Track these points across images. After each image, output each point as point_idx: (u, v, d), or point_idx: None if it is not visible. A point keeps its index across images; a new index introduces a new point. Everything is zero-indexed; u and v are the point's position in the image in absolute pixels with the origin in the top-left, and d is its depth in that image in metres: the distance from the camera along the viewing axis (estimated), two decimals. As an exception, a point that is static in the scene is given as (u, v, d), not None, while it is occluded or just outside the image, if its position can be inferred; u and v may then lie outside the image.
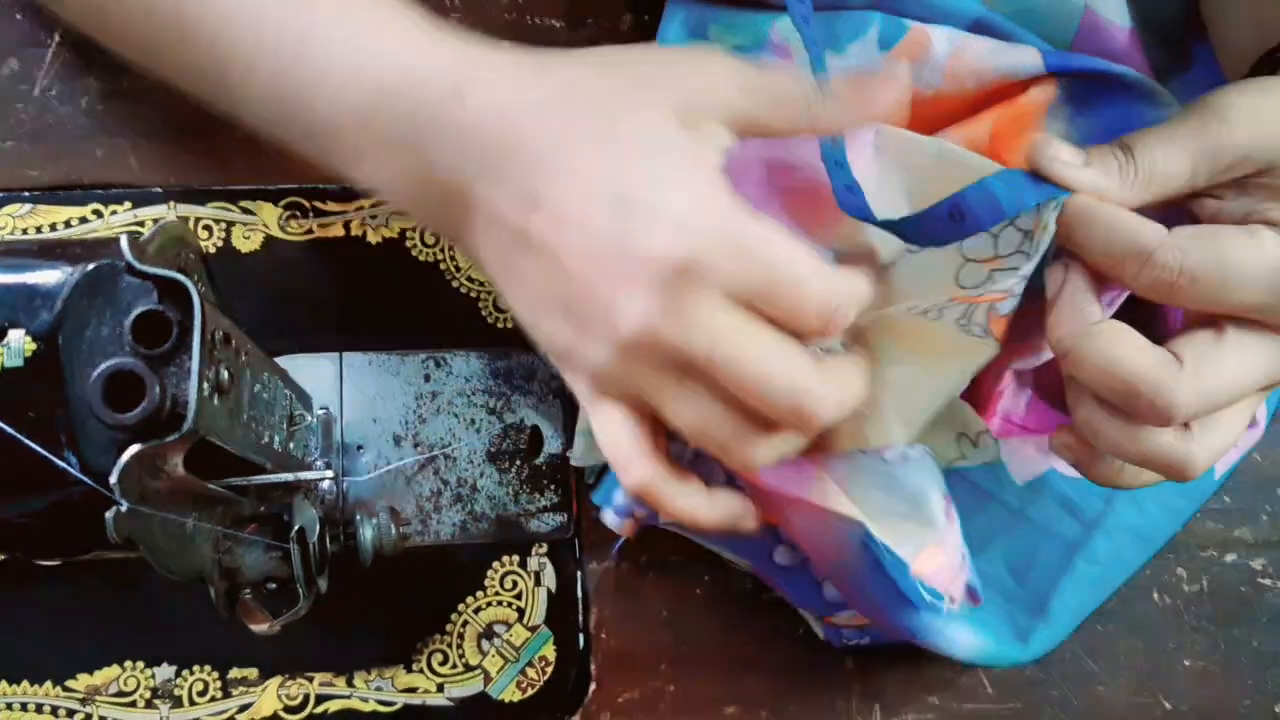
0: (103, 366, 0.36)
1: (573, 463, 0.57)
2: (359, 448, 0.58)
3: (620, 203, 0.38)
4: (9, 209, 0.58)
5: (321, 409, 0.57)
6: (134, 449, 0.36)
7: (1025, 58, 0.50)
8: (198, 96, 0.48)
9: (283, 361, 0.56)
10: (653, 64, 0.43)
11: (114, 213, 0.59)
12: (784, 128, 0.42)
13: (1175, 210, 0.44)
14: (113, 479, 0.36)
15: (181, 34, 0.45)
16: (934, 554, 0.47)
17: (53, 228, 0.58)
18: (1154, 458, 0.42)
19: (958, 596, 0.47)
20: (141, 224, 0.59)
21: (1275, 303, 0.40)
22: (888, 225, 0.43)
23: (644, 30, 0.61)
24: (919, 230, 0.42)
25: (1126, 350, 0.40)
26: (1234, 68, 0.51)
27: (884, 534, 0.46)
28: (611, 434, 0.43)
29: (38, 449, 0.37)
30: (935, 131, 0.53)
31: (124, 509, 0.37)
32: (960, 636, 0.50)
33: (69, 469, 0.37)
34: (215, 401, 0.39)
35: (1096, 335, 0.41)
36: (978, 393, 0.51)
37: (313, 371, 0.58)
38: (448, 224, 0.44)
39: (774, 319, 0.39)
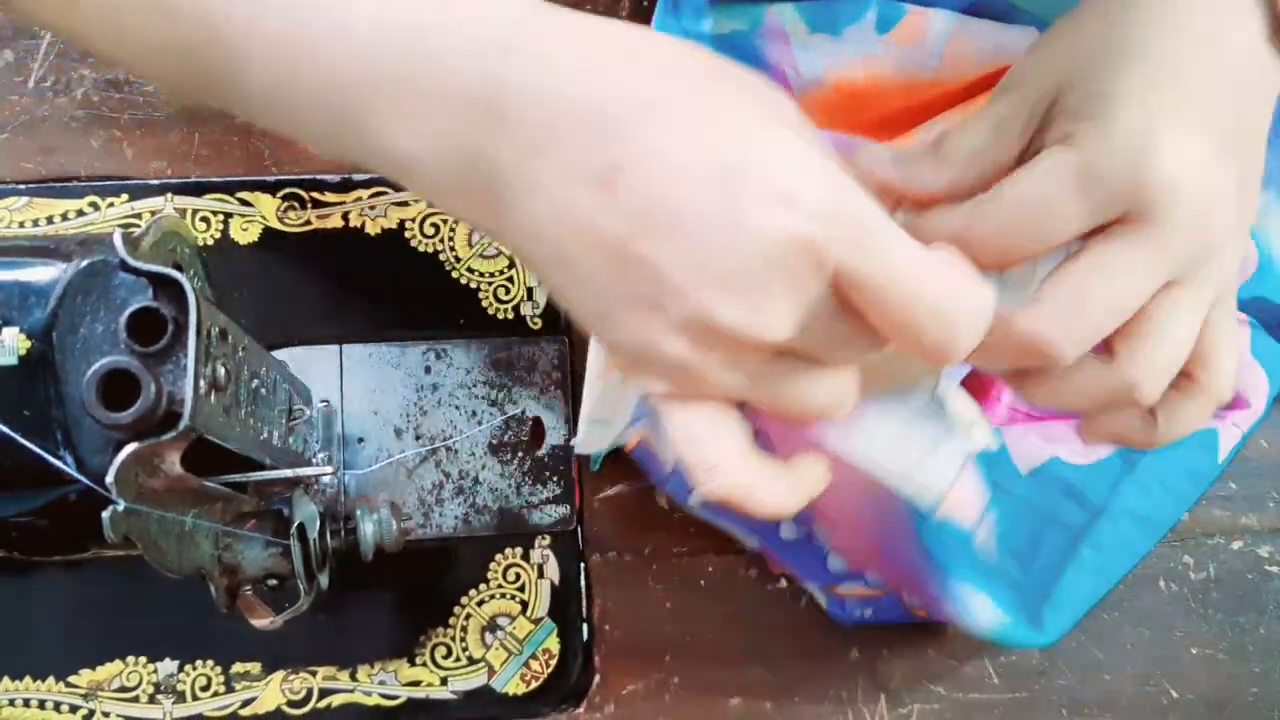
0: (98, 365, 0.36)
1: (577, 451, 0.56)
2: (359, 440, 0.57)
3: (728, 179, 0.33)
4: (5, 202, 0.58)
5: (321, 402, 0.56)
6: (130, 448, 0.36)
7: (1023, 36, 0.49)
8: (175, 81, 0.40)
9: (282, 354, 0.55)
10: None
11: (111, 205, 0.59)
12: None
13: None
14: (109, 478, 0.36)
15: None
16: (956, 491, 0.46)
17: (49, 221, 0.58)
18: (1093, 400, 0.39)
19: (982, 529, 0.47)
20: (139, 216, 0.59)
21: (1089, 212, 0.37)
22: None
23: (642, 16, 0.61)
24: None
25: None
26: None
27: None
28: (699, 436, 0.37)
29: (34, 448, 0.37)
30: (934, 116, 0.52)
31: (121, 508, 0.36)
32: (982, 608, 0.50)
33: (65, 468, 0.37)
34: (212, 398, 0.39)
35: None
36: (980, 379, 0.51)
37: (312, 364, 0.57)
38: (487, 206, 0.37)
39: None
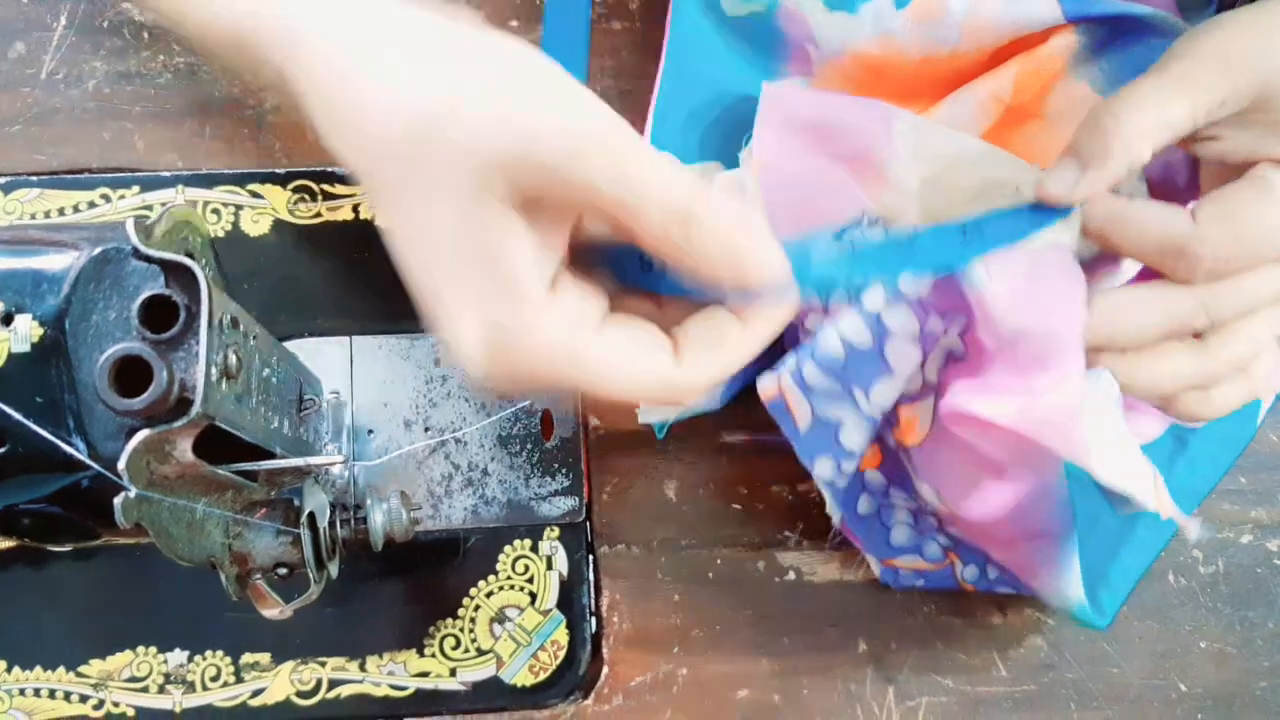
0: (110, 351, 0.36)
1: (640, 420, 0.56)
2: (369, 432, 0.58)
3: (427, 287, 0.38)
4: (17, 194, 0.58)
5: (331, 393, 0.57)
6: (142, 434, 0.36)
7: (1043, 8, 0.49)
8: None
9: (292, 345, 0.56)
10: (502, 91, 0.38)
11: (122, 197, 0.59)
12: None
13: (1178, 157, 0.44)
14: (121, 464, 0.36)
15: None
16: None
17: (61, 212, 0.58)
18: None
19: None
20: (150, 208, 0.59)
21: None
22: (894, 244, 0.43)
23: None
24: (927, 250, 0.42)
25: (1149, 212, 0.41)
26: None
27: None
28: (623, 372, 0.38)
29: (46, 434, 0.37)
30: (954, 89, 0.52)
31: (133, 495, 0.36)
32: (1077, 581, 0.50)
33: (77, 455, 0.37)
34: (223, 386, 0.39)
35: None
36: None
37: (322, 355, 0.57)
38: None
39: None
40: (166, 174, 0.60)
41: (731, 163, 0.56)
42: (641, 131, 0.56)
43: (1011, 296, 0.42)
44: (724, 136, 0.57)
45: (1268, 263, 0.41)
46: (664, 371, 0.38)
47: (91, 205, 0.58)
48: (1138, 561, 0.55)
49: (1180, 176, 0.47)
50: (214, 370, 0.38)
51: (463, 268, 0.36)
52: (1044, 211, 0.42)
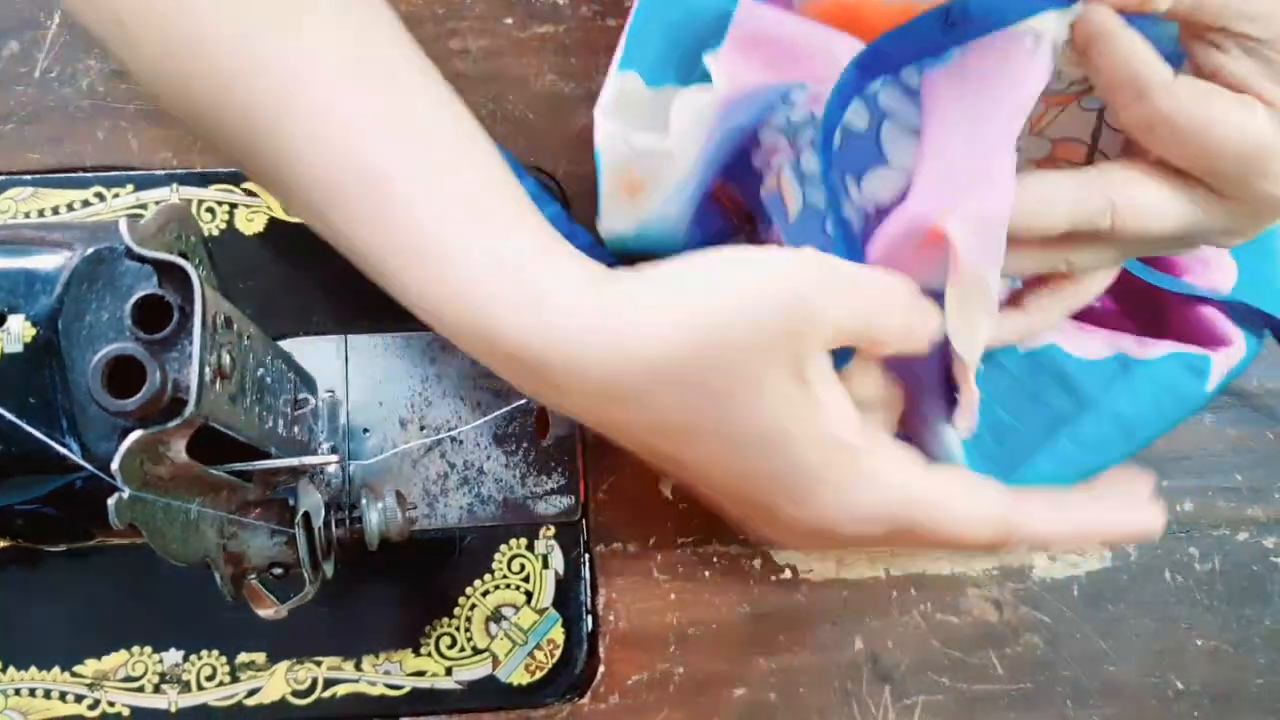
0: (103, 352, 0.36)
1: None
2: (364, 431, 0.57)
3: (764, 498, 0.41)
4: (10, 192, 0.58)
5: (326, 392, 0.56)
6: (135, 435, 0.36)
7: None
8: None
9: (287, 344, 0.55)
10: (745, 297, 0.39)
11: (116, 195, 0.59)
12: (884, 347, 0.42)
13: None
14: (114, 465, 0.36)
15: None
16: None
17: (55, 211, 0.58)
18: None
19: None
20: (144, 207, 0.59)
21: (1236, 176, 0.41)
22: (873, 51, 0.43)
23: None
24: (905, 42, 0.42)
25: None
26: None
27: None
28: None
29: (39, 435, 0.37)
30: None
31: (126, 495, 0.36)
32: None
33: (70, 455, 0.37)
34: (217, 386, 0.39)
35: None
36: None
37: (317, 354, 0.57)
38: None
39: None
40: (161, 172, 0.59)
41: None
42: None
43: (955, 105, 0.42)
44: (699, 53, 0.56)
45: (1183, 175, 0.42)
46: (1000, 511, 0.42)
47: (86, 204, 0.58)
48: (1055, 470, 0.54)
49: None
50: (208, 370, 0.38)
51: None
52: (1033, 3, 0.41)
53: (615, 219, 0.53)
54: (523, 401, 0.58)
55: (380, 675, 0.56)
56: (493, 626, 0.56)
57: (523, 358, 0.39)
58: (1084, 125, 0.50)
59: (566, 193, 0.61)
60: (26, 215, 0.58)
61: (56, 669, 0.55)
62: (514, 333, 0.39)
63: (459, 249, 0.40)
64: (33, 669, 0.55)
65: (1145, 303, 0.55)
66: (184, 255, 0.39)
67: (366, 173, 0.40)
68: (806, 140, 0.48)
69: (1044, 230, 0.42)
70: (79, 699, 0.54)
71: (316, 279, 0.59)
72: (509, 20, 0.63)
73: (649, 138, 0.51)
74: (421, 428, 0.58)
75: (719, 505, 0.44)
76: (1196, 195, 0.42)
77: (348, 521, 0.51)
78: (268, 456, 0.46)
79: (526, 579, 0.57)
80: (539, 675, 0.56)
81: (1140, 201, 0.42)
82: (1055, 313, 0.48)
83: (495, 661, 0.56)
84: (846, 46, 0.49)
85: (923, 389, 0.48)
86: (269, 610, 0.47)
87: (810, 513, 0.40)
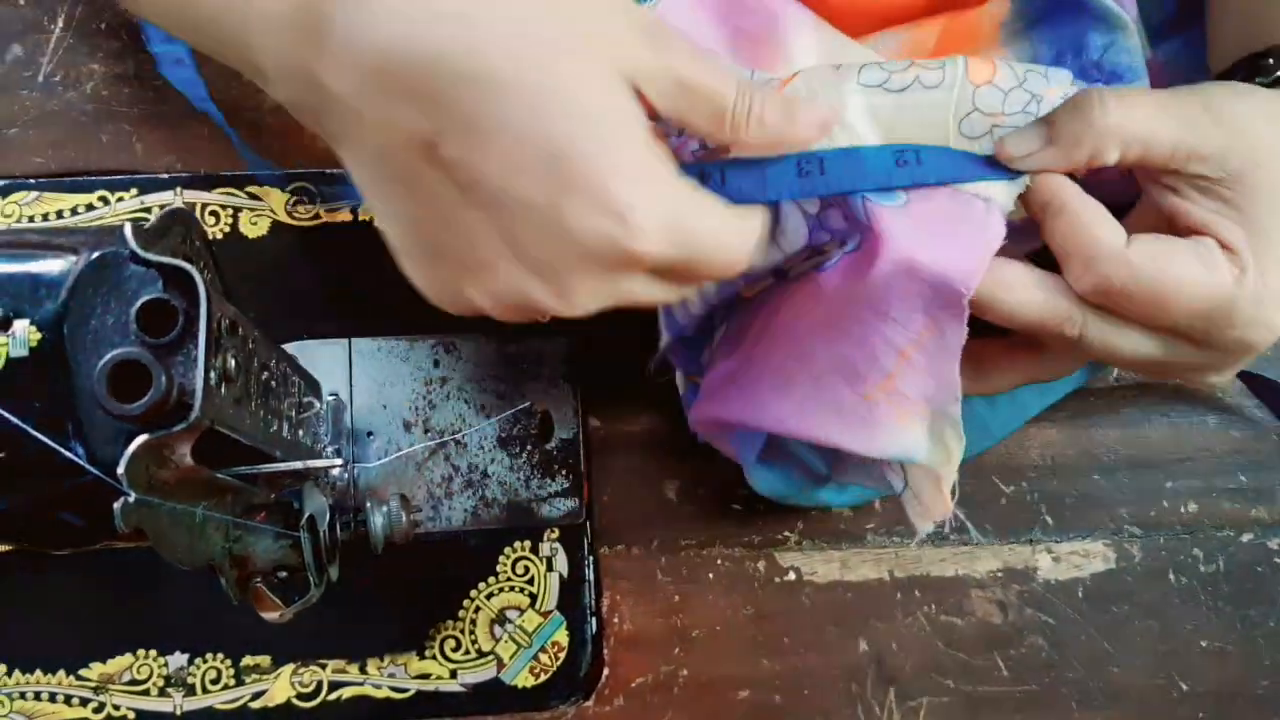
0: (108, 356, 0.36)
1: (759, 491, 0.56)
2: (369, 434, 0.58)
3: (555, 170, 0.34)
4: (15, 196, 0.58)
5: (331, 395, 0.57)
6: (141, 439, 0.36)
7: None
8: None
9: (291, 348, 0.56)
10: (603, 10, 0.37)
11: (120, 199, 0.59)
12: (701, 130, 0.39)
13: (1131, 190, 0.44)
14: (120, 469, 0.36)
15: None
16: None
17: (59, 215, 0.58)
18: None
19: None
20: (148, 210, 0.59)
21: (1200, 330, 0.41)
22: (824, 154, 0.42)
23: None
24: (853, 167, 0.42)
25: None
26: (1215, 53, 0.51)
27: None
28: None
29: (45, 439, 0.37)
30: (880, 29, 0.52)
31: (132, 499, 0.36)
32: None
33: (76, 460, 0.37)
34: (222, 390, 0.39)
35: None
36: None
37: (321, 358, 0.57)
38: (324, 130, 0.38)
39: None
40: (165, 176, 0.59)
41: None
42: None
43: (915, 226, 0.41)
44: None
45: (1149, 326, 0.42)
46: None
47: (90, 208, 0.58)
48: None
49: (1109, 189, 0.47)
50: (212, 374, 0.38)
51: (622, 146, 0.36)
52: (995, 167, 0.42)
53: None
54: (527, 404, 0.58)
55: (385, 678, 0.56)
56: (497, 629, 0.57)
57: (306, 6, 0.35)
58: None
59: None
60: (31, 220, 0.58)
61: (62, 672, 0.55)
62: None
63: None
64: (38, 672, 0.55)
65: None
66: (188, 259, 0.39)
67: None
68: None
69: (1015, 323, 0.42)
70: (84, 702, 0.54)
71: (320, 282, 0.59)
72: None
73: None
74: (425, 431, 0.58)
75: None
76: (1165, 335, 0.42)
77: (352, 525, 0.51)
78: (272, 460, 0.46)
79: (531, 582, 0.57)
80: (544, 678, 0.56)
81: (1108, 324, 0.42)
82: (1014, 381, 0.48)
83: (500, 664, 0.56)
84: (794, 9, 0.49)
85: None
86: (274, 613, 0.47)
87: (589, 202, 0.35)
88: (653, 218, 0.35)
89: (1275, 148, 0.40)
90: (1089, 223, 0.40)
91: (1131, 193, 0.45)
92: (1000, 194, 0.42)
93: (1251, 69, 0.46)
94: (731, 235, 0.38)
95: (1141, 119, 0.40)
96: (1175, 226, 0.42)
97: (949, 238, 0.41)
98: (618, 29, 0.36)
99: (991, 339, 0.46)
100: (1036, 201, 0.41)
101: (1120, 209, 0.43)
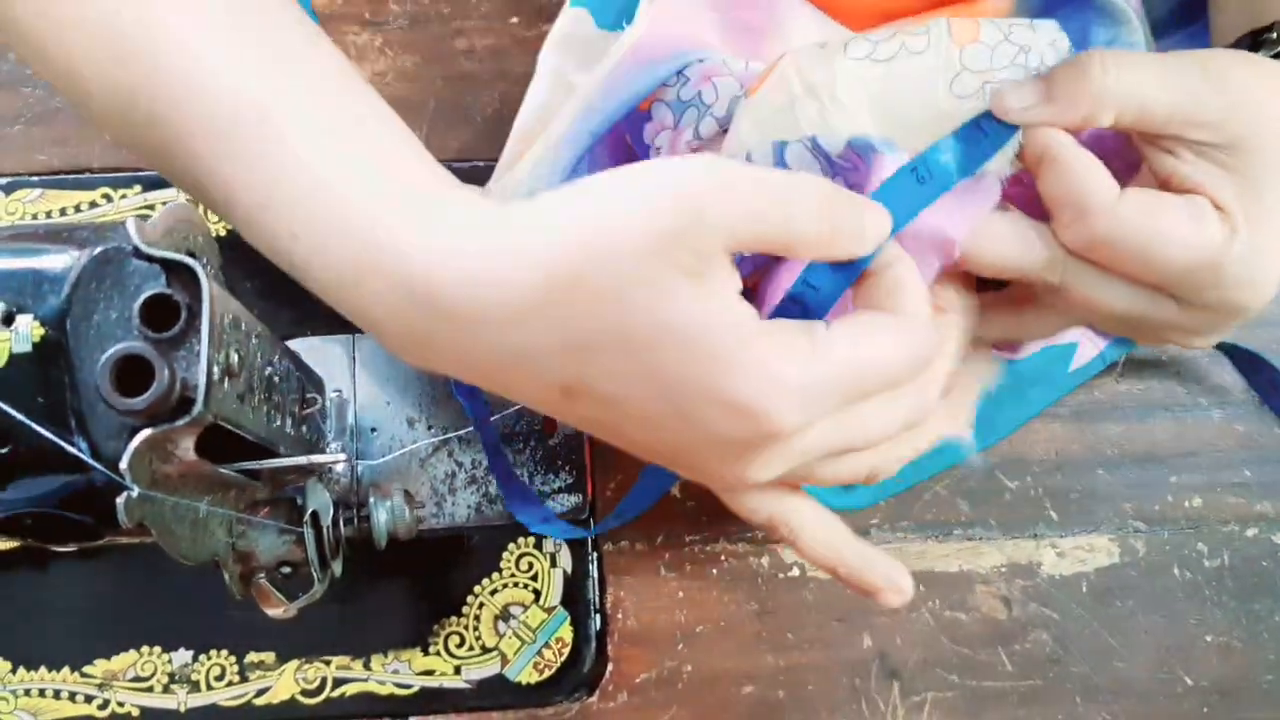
0: (112, 351, 0.36)
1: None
2: (372, 430, 0.58)
3: (676, 406, 0.36)
4: (18, 194, 0.58)
5: (334, 392, 0.57)
6: (144, 434, 0.36)
7: None
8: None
9: (294, 344, 0.56)
10: (636, 202, 0.35)
11: (124, 196, 0.59)
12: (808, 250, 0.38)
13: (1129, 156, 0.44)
14: (123, 464, 0.36)
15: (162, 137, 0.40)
16: None
17: (62, 212, 0.58)
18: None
19: None
20: (151, 207, 0.59)
21: (1187, 287, 0.41)
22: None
23: None
24: (890, 198, 0.42)
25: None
26: (1218, 40, 0.51)
27: None
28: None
29: (48, 434, 0.37)
30: (880, 24, 0.51)
31: (135, 494, 0.36)
32: None
33: (79, 455, 0.37)
34: (225, 385, 0.39)
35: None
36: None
37: (325, 354, 0.57)
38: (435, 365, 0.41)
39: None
40: (168, 173, 0.59)
41: None
42: None
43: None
44: None
45: (1134, 281, 0.42)
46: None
47: (93, 205, 0.58)
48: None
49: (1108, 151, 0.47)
50: (216, 369, 0.38)
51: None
52: (987, 139, 0.42)
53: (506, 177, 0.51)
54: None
55: (389, 674, 0.56)
56: (501, 625, 0.57)
57: (410, 285, 0.36)
58: None
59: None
60: (34, 217, 0.58)
61: (66, 669, 0.55)
62: (404, 256, 0.36)
63: (341, 173, 0.38)
64: (42, 669, 0.55)
65: None
66: (192, 254, 0.39)
67: (242, 107, 0.38)
68: (690, 121, 0.48)
69: (997, 271, 0.43)
70: (89, 699, 0.55)
71: (323, 279, 0.59)
72: (515, 19, 0.63)
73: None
74: (429, 427, 0.58)
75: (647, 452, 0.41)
76: (1149, 291, 0.42)
77: (356, 520, 0.51)
78: (276, 456, 0.46)
79: (535, 577, 0.57)
80: (548, 674, 0.56)
81: (1091, 272, 0.42)
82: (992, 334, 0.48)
83: (504, 660, 0.56)
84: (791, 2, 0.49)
85: None
86: (278, 609, 0.47)
87: (719, 411, 0.36)
88: (776, 405, 0.36)
89: (1274, 114, 0.40)
90: (1081, 173, 0.41)
91: (1132, 156, 0.45)
92: (995, 162, 0.42)
93: (1255, 45, 0.46)
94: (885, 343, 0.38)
95: (1139, 82, 0.40)
96: (1170, 188, 0.42)
97: (949, 203, 0.42)
98: (665, 221, 0.35)
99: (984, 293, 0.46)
100: (1031, 153, 0.42)
101: (1120, 173, 0.43)
